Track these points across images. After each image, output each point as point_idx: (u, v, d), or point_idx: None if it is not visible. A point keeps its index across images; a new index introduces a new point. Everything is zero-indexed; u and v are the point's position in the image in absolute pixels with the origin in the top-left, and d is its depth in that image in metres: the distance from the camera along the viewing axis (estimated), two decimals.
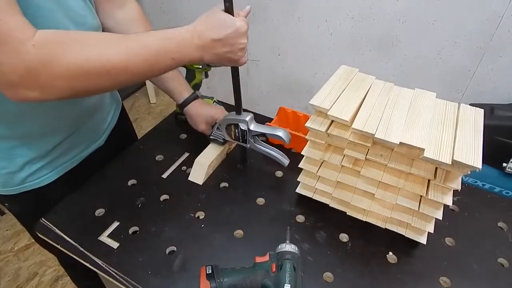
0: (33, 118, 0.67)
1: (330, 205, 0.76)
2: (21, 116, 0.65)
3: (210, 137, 0.88)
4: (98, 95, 0.81)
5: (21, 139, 0.69)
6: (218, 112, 0.88)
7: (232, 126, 0.80)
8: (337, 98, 0.67)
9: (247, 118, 0.77)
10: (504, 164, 1.45)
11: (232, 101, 1.11)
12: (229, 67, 0.69)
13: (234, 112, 0.79)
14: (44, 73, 0.47)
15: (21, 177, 0.73)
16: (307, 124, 0.67)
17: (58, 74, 0.48)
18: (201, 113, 0.87)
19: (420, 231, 0.69)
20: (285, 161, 0.81)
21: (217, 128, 0.86)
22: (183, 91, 0.88)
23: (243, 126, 0.78)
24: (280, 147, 0.85)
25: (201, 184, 0.83)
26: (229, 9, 0.60)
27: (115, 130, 0.93)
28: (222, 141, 0.87)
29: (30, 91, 0.48)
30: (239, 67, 0.68)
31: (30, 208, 0.80)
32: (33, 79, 0.46)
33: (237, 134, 0.81)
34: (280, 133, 0.76)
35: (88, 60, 0.49)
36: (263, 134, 0.79)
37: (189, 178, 0.84)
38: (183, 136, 0.98)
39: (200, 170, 0.83)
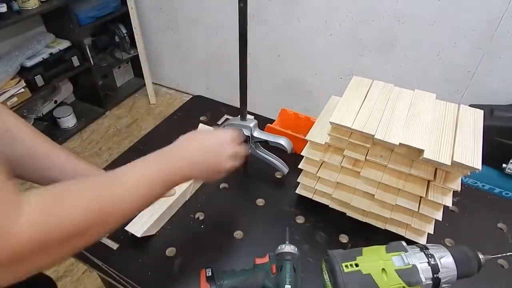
0: None
1: (330, 206, 0.76)
2: None
3: None
4: None
5: None
6: None
7: None
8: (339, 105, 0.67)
9: (251, 125, 0.78)
10: (504, 165, 1.45)
11: (231, 102, 1.12)
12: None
13: (239, 117, 0.79)
14: None
15: None
16: (308, 137, 0.67)
17: None
18: None
19: (420, 232, 0.69)
20: (285, 169, 0.82)
21: None
22: (95, 170, 0.64)
23: (246, 132, 0.78)
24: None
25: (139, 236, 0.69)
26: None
27: None
28: None
29: None
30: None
31: None
32: None
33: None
34: (282, 141, 0.77)
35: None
36: (266, 141, 0.79)
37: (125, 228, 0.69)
38: None
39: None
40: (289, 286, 0.54)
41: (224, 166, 0.57)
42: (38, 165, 0.58)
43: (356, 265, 0.51)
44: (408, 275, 0.49)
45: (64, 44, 2.07)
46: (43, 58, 1.95)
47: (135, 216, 0.69)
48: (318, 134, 0.70)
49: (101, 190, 0.43)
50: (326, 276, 0.54)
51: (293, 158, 0.81)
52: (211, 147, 0.56)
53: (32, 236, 0.36)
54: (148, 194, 0.48)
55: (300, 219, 0.76)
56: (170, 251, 0.69)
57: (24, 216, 0.35)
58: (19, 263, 0.36)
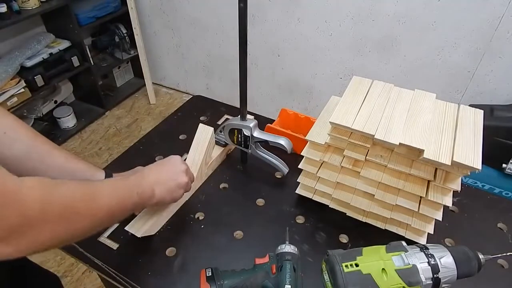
0: None
1: (330, 206, 0.75)
2: None
3: None
4: None
5: None
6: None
7: (236, 131, 0.80)
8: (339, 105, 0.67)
9: (251, 125, 0.78)
10: (504, 165, 1.45)
11: (231, 102, 1.12)
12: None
13: (239, 117, 0.79)
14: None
15: None
16: (308, 138, 0.67)
17: None
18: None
19: (420, 232, 0.69)
20: (285, 169, 0.82)
21: (220, 131, 0.86)
22: (95, 171, 0.67)
23: (246, 132, 0.78)
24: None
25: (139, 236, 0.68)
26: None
27: None
28: (223, 143, 0.87)
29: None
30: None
31: None
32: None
33: (239, 139, 0.81)
34: (282, 141, 0.77)
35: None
36: (266, 141, 0.79)
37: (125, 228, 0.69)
38: (183, 136, 0.98)
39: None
40: (289, 286, 0.54)
41: (180, 181, 0.64)
42: (37, 166, 0.59)
43: (356, 265, 0.51)
44: (408, 275, 0.49)
45: (64, 44, 2.07)
46: (43, 58, 1.95)
47: (133, 217, 0.69)
48: (318, 134, 0.70)
49: (84, 186, 0.50)
50: (326, 276, 0.54)
51: (293, 158, 0.82)
52: (166, 169, 0.65)
53: (36, 197, 0.41)
54: (121, 201, 0.55)
55: (300, 219, 0.76)
56: (170, 251, 0.69)
57: (26, 184, 0.41)
58: (25, 230, 0.40)
